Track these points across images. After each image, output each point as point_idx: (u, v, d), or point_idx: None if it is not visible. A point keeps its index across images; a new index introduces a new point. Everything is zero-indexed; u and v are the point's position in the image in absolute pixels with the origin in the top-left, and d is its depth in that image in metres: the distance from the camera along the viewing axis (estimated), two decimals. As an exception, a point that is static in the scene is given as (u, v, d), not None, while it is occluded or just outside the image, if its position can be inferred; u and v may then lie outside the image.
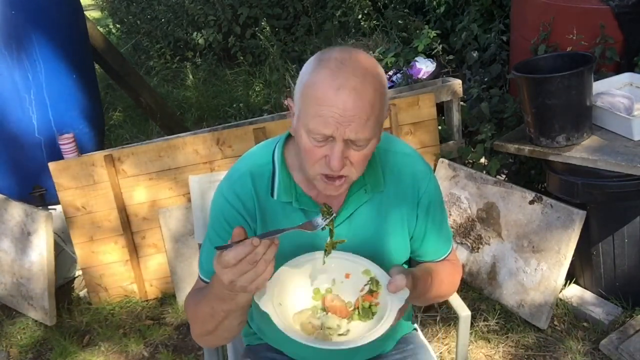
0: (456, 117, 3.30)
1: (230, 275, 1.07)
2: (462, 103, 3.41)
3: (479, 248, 2.77)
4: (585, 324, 2.52)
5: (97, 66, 3.96)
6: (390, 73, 4.16)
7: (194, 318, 1.33)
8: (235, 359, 1.73)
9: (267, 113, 4.52)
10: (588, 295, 2.61)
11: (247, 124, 3.11)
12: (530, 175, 3.14)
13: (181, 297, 2.90)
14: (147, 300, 3.03)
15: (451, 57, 4.33)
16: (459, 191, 2.87)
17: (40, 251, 2.83)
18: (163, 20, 6.46)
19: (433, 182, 1.40)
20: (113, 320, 2.90)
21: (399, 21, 4.92)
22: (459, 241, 2.84)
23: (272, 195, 1.32)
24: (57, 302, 2.91)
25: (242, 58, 5.65)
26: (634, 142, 2.40)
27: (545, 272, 2.50)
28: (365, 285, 1.27)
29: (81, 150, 3.10)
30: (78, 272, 3.13)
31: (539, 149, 2.55)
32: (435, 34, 4.05)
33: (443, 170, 2.96)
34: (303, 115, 1.19)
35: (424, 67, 4.10)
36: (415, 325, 1.66)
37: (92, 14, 8.84)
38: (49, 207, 3.08)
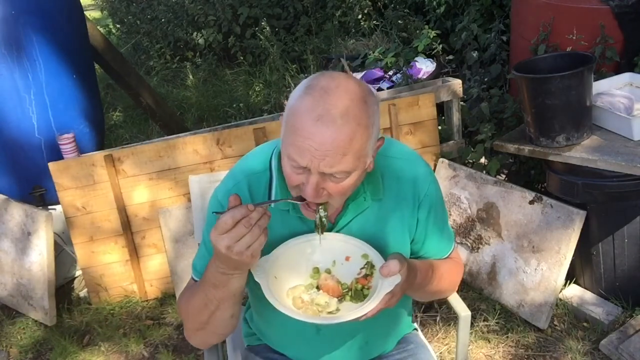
0: (456, 117, 3.30)
1: (227, 240, 1.10)
2: (462, 103, 3.41)
3: (479, 248, 2.77)
4: (585, 324, 2.52)
5: (97, 66, 3.96)
6: (390, 73, 4.16)
7: (187, 313, 1.35)
8: (236, 359, 1.73)
9: (267, 113, 4.52)
10: (588, 295, 2.61)
11: (247, 124, 3.11)
12: (530, 175, 3.15)
13: (181, 297, 2.90)
14: (147, 300, 3.03)
15: (451, 57, 4.34)
16: (459, 191, 2.87)
17: (40, 251, 2.84)
18: (163, 20, 6.46)
19: (434, 184, 1.39)
20: (113, 320, 2.90)
21: (399, 21, 4.93)
22: (459, 241, 2.84)
23: None
24: (57, 302, 2.91)
25: (242, 58, 5.66)
26: (634, 142, 2.40)
27: (545, 272, 2.50)
28: (362, 268, 1.28)
29: (81, 150, 3.10)
30: (78, 272, 3.13)
31: (539, 149, 2.55)
32: (435, 34, 4.05)
33: (443, 170, 2.96)
34: (284, 140, 1.18)
35: (424, 67, 4.10)
36: (415, 325, 1.66)
37: (92, 14, 8.84)
38: (49, 207, 3.08)
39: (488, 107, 3.29)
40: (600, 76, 2.82)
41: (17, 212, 2.91)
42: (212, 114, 5.10)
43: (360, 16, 5.72)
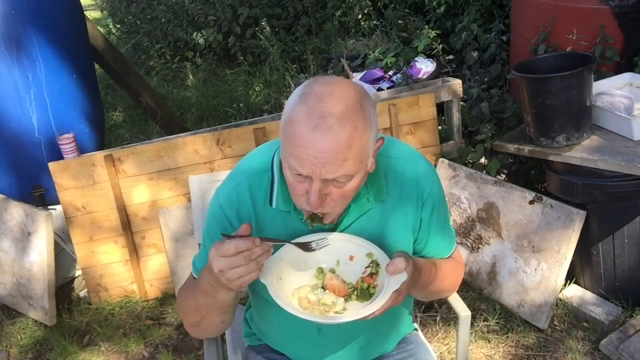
0: (456, 117, 3.30)
1: (223, 264, 1.11)
2: (462, 103, 3.41)
3: (479, 248, 2.77)
4: (585, 324, 2.52)
5: (97, 66, 3.96)
6: (390, 73, 4.16)
7: (183, 310, 1.40)
8: (236, 359, 1.73)
9: (267, 113, 4.52)
10: (588, 295, 2.61)
11: (247, 124, 3.11)
12: (530, 175, 3.15)
13: (181, 297, 2.90)
14: (147, 300, 3.03)
15: (451, 57, 4.34)
16: (459, 191, 2.87)
17: (40, 251, 2.84)
18: (163, 20, 6.46)
19: (436, 183, 1.39)
20: (113, 320, 2.90)
21: (399, 21, 4.93)
22: (459, 241, 2.84)
23: (270, 204, 1.31)
24: (57, 302, 2.91)
25: (242, 58, 5.66)
26: (634, 142, 2.40)
27: (545, 272, 2.50)
28: (367, 267, 1.28)
29: (81, 150, 3.10)
30: (78, 272, 3.13)
31: (539, 149, 2.56)
32: (435, 34, 4.05)
33: (443, 170, 2.96)
34: (284, 150, 1.18)
35: (424, 67, 4.10)
36: (416, 325, 1.66)
37: (92, 14, 8.84)
38: (49, 207, 3.08)
39: (488, 107, 3.29)
40: (600, 76, 2.82)
41: (17, 211, 2.91)
42: (212, 114, 5.10)
43: (360, 16, 5.72)
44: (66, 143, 3.00)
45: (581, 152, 2.43)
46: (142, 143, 3.12)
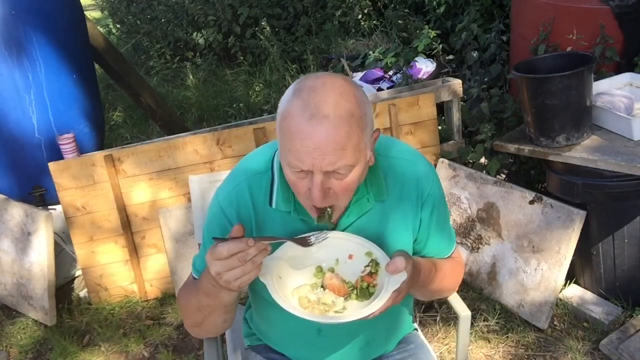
0: (456, 117, 3.30)
1: (219, 267, 1.11)
2: (462, 103, 3.41)
3: (479, 248, 2.77)
4: (585, 324, 2.52)
5: (97, 66, 3.96)
6: (390, 73, 4.16)
7: (185, 310, 1.40)
8: (236, 359, 1.73)
9: (267, 113, 4.52)
10: (588, 295, 2.61)
11: (247, 124, 3.11)
12: (530, 175, 3.15)
13: (181, 297, 2.90)
14: (147, 300, 3.03)
15: (451, 57, 4.34)
16: (459, 191, 2.87)
17: (40, 251, 2.84)
18: (163, 20, 6.46)
19: (436, 183, 1.39)
20: (113, 320, 2.90)
21: (399, 21, 4.93)
22: (459, 241, 2.84)
23: (270, 204, 1.30)
24: (57, 302, 2.91)
25: (242, 58, 5.66)
26: (634, 142, 2.40)
27: (545, 272, 2.50)
28: (366, 266, 1.28)
29: (81, 150, 3.10)
30: (78, 272, 3.13)
31: (539, 149, 2.55)
32: (435, 34, 4.05)
33: (443, 170, 2.96)
34: (282, 148, 1.18)
35: (424, 67, 4.10)
36: (415, 325, 1.66)
37: (92, 14, 8.85)
38: (49, 207, 3.08)
39: (488, 107, 3.29)
40: (600, 76, 2.81)
41: (17, 212, 2.91)
42: (212, 114, 5.10)
43: (360, 16, 5.72)
44: (66, 143, 3.01)
45: (581, 152, 2.43)
46: (142, 143, 3.12)
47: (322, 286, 1.27)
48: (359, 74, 4.33)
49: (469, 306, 1.62)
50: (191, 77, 5.75)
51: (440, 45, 4.01)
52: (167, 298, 3.03)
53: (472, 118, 3.45)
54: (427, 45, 4.06)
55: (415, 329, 1.65)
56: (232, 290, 1.16)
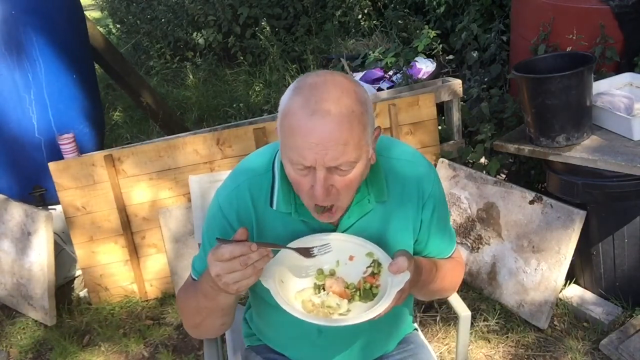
0: (456, 117, 3.30)
1: (219, 268, 1.11)
2: (462, 103, 3.41)
3: (479, 248, 2.77)
4: (585, 324, 2.52)
5: (97, 66, 3.96)
6: (390, 73, 4.16)
7: (183, 311, 1.40)
8: (236, 359, 1.73)
9: (267, 113, 4.52)
10: (588, 295, 2.61)
11: (247, 124, 3.11)
12: (530, 175, 3.15)
13: (181, 297, 2.90)
14: (147, 300, 3.03)
15: (451, 57, 4.34)
16: (459, 191, 2.87)
17: (40, 251, 2.84)
18: (163, 20, 6.46)
19: (437, 183, 1.39)
20: (113, 320, 2.90)
21: (399, 21, 4.93)
22: (459, 241, 2.84)
23: (271, 205, 1.30)
24: (57, 302, 2.91)
25: (242, 58, 5.65)
26: (634, 142, 2.40)
27: (545, 272, 2.51)
28: (368, 267, 1.27)
29: (81, 150, 3.10)
30: (78, 272, 3.13)
31: (539, 149, 2.55)
32: (435, 34, 4.05)
33: (443, 170, 2.96)
34: (283, 146, 1.17)
35: (424, 67, 4.10)
36: (416, 325, 1.66)
37: (92, 14, 8.84)
38: (49, 207, 3.08)
39: (488, 107, 3.29)
40: (600, 76, 2.81)
41: (17, 212, 2.91)
42: (212, 114, 5.10)
43: (360, 16, 5.72)
44: (66, 143, 3.01)
45: (581, 152, 2.43)
46: (142, 143, 3.12)
47: (323, 288, 1.27)
48: (359, 74, 4.33)
49: (469, 306, 1.62)
50: (191, 77, 5.75)
51: (440, 45, 4.01)
52: (167, 298, 3.03)
53: (472, 118, 3.45)
54: (427, 45, 4.06)
55: (416, 329, 1.65)
56: (230, 293, 1.16)
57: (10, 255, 2.94)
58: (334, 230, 1.31)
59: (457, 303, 1.60)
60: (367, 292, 1.25)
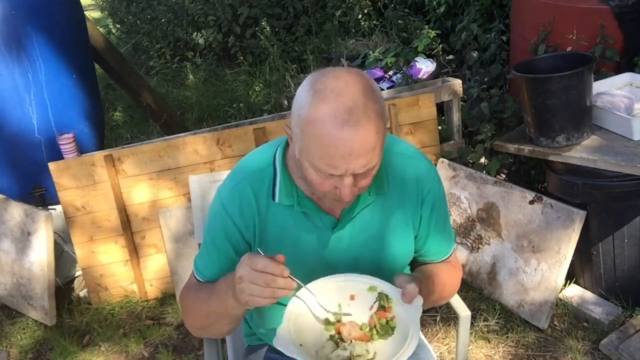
0: (456, 117, 3.30)
1: (247, 273, 1.12)
2: (462, 103, 3.41)
3: (479, 248, 2.77)
4: (585, 324, 2.52)
5: (97, 66, 3.96)
6: (390, 73, 4.16)
7: (190, 312, 1.40)
8: (236, 359, 1.73)
9: (267, 113, 4.52)
10: (588, 295, 2.61)
11: (247, 124, 3.12)
12: (530, 175, 3.15)
13: (181, 297, 2.90)
14: (147, 300, 3.03)
15: (451, 57, 4.34)
16: (459, 191, 2.87)
17: (40, 251, 2.83)
18: (163, 20, 6.46)
19: (437, 181, 1.39)
20: (113, 320, 2.90)
21: (399, 21, 4.93)
22: (459, 241, 2.84)
23: (273, 198, 1.30)
24: (57, 302, 2.91)
25: (242, 58, 5.65)
26: (634, 142, 2.40)
27: (545, 272, 2.50)
28: (375, 302, 1.25)
29: (81, 150, 3.10)
30: (78, 272, 3.13)
31: (539, 149, 2.56)
32: (435, 34, 4.05)
33: (443, 170, 2.96)
34: (306, 151, 1.15)
35: (424, 67, 4.11)
36: (415, 325, 1.66)
37: (92, 14, 8.84)
38: (49, 207, 3.08)
39: (488, 107, 3.30)
40: (600, 76, 2.81)
41: (17, 212, 2.91)
42: (212, 114, 5.10)
43: (360, 16, 5.72)
44: (66, 143, 3.01)
45: (581, 152, 2.43)
46: (142, 143, 3.12)
47: (340, 338, 1.23)
48: (359, 74, 4.32)
49: (469, 306, 1.62)
50: (191, 77, 5.75)
51: (440, 45, 4.01)
52: (167, 298, 3.03)
53: (472, 118, 3.45)
54: (427, 45, 4.06)
55: (415, 329, 1.65)
56: (240, 302, 1.16)
57: (10, 255, 2.94)
58: (335, 223, 1.31)
59: (457, 303, 1.60)
60: (384, 327, 1.22)
